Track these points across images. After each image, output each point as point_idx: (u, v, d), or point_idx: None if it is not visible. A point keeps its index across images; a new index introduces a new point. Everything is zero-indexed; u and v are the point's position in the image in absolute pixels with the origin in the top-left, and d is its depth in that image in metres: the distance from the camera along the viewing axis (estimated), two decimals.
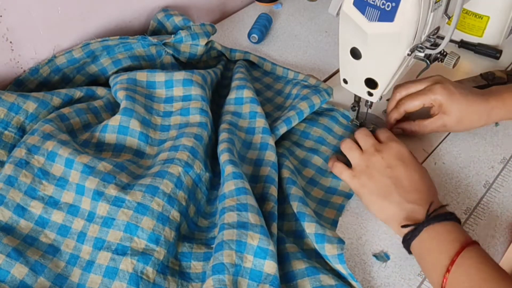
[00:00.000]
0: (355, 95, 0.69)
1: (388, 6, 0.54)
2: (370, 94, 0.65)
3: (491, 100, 0.66)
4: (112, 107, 0.69)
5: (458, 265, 0.49)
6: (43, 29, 0.71)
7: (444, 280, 0.49)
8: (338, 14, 0.60)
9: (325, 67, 0.85)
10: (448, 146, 0.71)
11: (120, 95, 0.66)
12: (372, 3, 0.55)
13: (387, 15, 0.55)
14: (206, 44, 0.78)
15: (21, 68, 0.71)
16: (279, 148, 0.67)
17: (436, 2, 0.55)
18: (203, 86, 0.69)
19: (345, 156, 0.64)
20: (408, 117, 0.69)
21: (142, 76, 0.69)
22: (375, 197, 0.58)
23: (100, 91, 0.71)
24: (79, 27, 0.76)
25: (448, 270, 0.49)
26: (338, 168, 0.63)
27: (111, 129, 0.63)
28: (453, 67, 0.62)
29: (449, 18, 0.59)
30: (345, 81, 0.67)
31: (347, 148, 0.64)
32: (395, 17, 0.54)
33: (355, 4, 0.57)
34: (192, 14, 0.93)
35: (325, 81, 0.83)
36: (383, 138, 0.63)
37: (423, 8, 0.54)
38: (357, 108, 0.71)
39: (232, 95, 0.70)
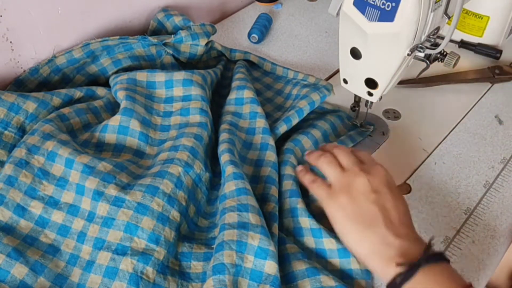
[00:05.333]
0: (355, 96, 0.69)
1: (388, 6, 0.54)
2: (370, 94, 0.65)
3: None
4: (112, 107, 0.69)
5: None
6: (43, 29, 0.71)
7: None
8: (338, 14, 0.60)
9: (325, 67, 0.85)
10: (448, 146, 0.71)
11: (120, 95, 0.66)
12: (372, 3, 0.55)
13: (387, 15, 0.55)
14: (206, 44, 0.78)
15: (21, 68, 0.71)
16: (285, 141, 0.67)
17: (436, 2, 0.55)
18: (203, 86, 0.69)
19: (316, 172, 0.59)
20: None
21: (142, 76, 0.69)
22: (355, 224, 0.49)
23: (100, 91, 0.71)
24: (79, 27, 0.76)
25: None
26: (316, 183, 0.55)
27: (111, 129, 0.63)
28: (453, 67, 0.62)
29: (449, 18, 0.59)
30: (345, 81, 0.67)
31: (326, 162, 0.55)
32: (395, 17, 0.54)
33: (355, 4, 0.57)
34: (192, 14, 0.93)
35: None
36: (366, 159, 0.56)
37: (423, 8, 0.54)
38: (357, 108, 0.71)
39: (233, 96, 0.70)
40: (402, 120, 0.75)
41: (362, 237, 0.49)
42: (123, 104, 0.65)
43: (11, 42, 0.68)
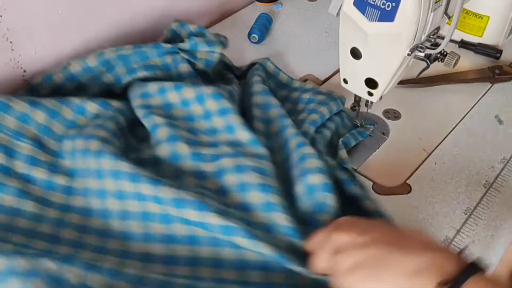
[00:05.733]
0: (355, 95, 0.69)
1: (388, 6, 0.54)
2: (370, 94, 0.65)
3: None
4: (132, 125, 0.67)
5: None
6: (43, 29, 0.71)
7: None
8: (338, 14, 0.60)
9: (325, 67, 0.85)
10: (448, 146, 0.71)
11: (158, 121, 0.64)
12: (372, 3, 0.55)
13: (387, 15, 0.55)
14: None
15: (21, 68, 0.71)
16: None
17: (436, 2, 0.55)
18: (233, 99, 0.68)
19: None
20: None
21: (173, 96, 0.67)
22: (375, 275, 0.42)
23: (116, 104, 0.67)
24: (79, 27, 0.76)
25: None
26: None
27: (164, 159, 0.61)
28: (453, 67, 0.62)
29: (449, 18, 0.59)
30: (345, 81, 0.67)
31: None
32: (395, 17, 0.54)
33: (355, 4, 0.57)
34: (192, 14, 0.93)
35: (325, 81, 0.83)
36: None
37: (423, 8, 0.54)
38: (357, 108, 0.71)
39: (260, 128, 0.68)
40: (402, 120, 0.75)
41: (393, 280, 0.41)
42: (165, 132, 0.62)
43: (11, 42, 0.68)
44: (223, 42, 0.76)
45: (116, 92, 0.72)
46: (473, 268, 0.41)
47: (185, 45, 0.74)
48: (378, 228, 0.46)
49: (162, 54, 0.73)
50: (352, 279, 0.43)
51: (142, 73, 0.71)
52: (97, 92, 0.71)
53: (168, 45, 0.73)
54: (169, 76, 0.73)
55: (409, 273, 0.40)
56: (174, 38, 0.81)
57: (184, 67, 0.73)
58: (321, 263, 0.47)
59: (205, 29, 0.77)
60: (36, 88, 0.69)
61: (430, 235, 0.59)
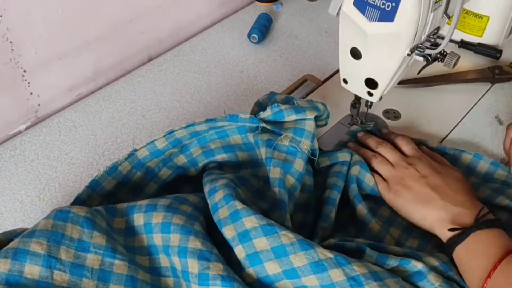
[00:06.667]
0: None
1: (388, 6, 0.54)
2: (370, 94, 0.65)
3: None
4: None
5: (500, 270, 0.49)
6: (43, 29, 0.71)
7: (484, 285, 0.49)
8: (338, 14, 0.60)
9: (325, 67, 0.85)
10: (448, 146, 0.71)
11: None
12: (372, 3, 0.55)
13: (387, 15, 0.55)
14: (317, 119, 0.63)
15: (21, 68, 0.71)
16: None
17: (436, 2, 0.55)
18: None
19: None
20: None
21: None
22: (415, 206, 0.58)
23: (192, 198, 0.57)
24: (79, 27, 0.76)
25: (489, 275, 0.49)
26: (376, 178, 0.63)
27: None
28: (453, 67, 0.62)
29: (449, 18, 0.59)
30: (345, 81, 0.67)
31: (378, 162, 0.64)
32: (395, 17, 0.54)
33: (355, 4, 0.57)
34: (192, 15, 0.94)
35: (325, 81, 0.83)
36: (408, 150, 0.65)
37: (423, 8, 0.54)
38: (358, 105, 0.71)
39: None
40: (402, 120, 0.75)
41: (424, 214, 0.58)
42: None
43: (11, 42, 0.68)
44: (317, 108, 0.62)
45: (191, 175, 0.63)
46: (485, 224, 0.53)
47: (267, 114, 0.61)
48: (439, 177, 0.60)
49: (244, 131, 0.62)
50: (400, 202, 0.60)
51: (220, 155, 0.61)
52: (169, 178, 0.62)
53: (246, 115, 0.61)
54: (254, 157, 0.63)
55: (440, 214, 0.56)
56: (261, 112, 0.64)
57: (262, 153, 0.60)
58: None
59: (295, 98, 0.65)
60: (99, 183, 0.59)
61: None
